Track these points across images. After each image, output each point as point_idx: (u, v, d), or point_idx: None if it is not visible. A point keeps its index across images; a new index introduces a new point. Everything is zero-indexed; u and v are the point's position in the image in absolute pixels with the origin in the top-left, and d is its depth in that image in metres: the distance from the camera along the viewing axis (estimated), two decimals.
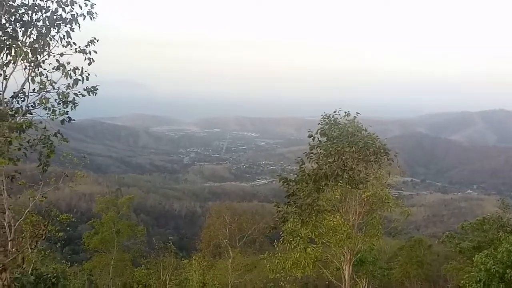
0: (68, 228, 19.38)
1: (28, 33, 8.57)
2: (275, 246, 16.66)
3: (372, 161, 15.91)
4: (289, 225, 15.58)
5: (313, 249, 15.44)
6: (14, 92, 8.73)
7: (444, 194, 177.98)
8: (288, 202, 16.06)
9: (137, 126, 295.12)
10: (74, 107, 9.23)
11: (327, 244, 16.27)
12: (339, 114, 16.57)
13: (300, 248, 15.05)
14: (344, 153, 15.32)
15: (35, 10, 8.45)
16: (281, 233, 16.39)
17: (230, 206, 41.92)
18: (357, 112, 16.75)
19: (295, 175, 16.23)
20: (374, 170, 16.32)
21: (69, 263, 29.10)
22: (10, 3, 8.14)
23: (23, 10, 8.42)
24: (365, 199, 16.03)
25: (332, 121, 16.31)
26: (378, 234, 17.38)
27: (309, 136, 16.33)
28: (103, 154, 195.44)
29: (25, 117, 8.77)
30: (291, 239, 15.42)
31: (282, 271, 15.79)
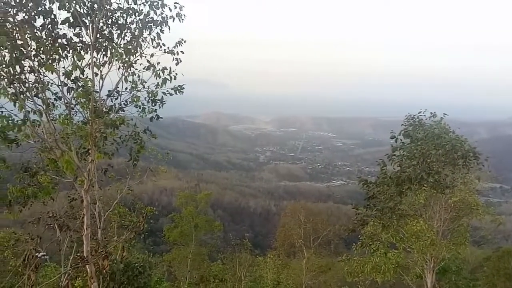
0: (151, 221, 20.33)
1: (123, 35, 9.09)
2: (354, 249, 16.29)
3: (460, 165, 15.02)
4: (368, 228, 15.17)
5: (394, 254, 14.89)
6: (109, 91, 9.31)
7: None
8: (367, 205, 15.64)
9: (216, 124, 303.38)
10: (162, 105, 9.68)
11: (409, 250, 15.61)
12: (424, 115, 15.85)
13: (380, 253, 14.59)
14: (430, 156, 14.61)
15: (130, 13, 8.93)
16: (359, 236, 16.00)
17: (305, 206, 41.59)
18: (444, 113, 15.89)
19: (376, 177, 15.75)
20: (462, 174, 15.39)
21: (151, 254, 30.46)
22: (108, 7, 8.67)
23: (118, 14, 8.93)
24: (452, 205, 15.19)
25: (416, 122, 15.63)
26: (465, 242, 16.37)
27: (392, 137, 15.79)
28: (184, 150, 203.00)
29: (118, 114, 9.32)
30: (370, 243, 15.00)
31: (360, 275, 15.40)
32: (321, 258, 32.80)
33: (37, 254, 8.29)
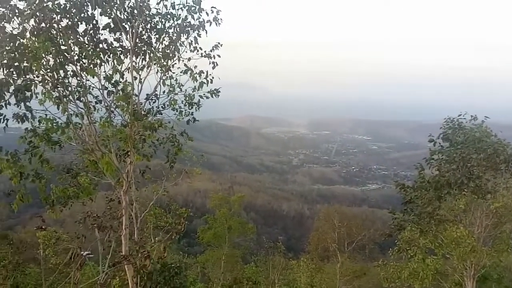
0: (186, 222, 20.56)
1: (161, 40, 9.29)
2: (390, 254, 15.97)
3: (502, 169, 14.53)
4: (406, 233, 14.83)
5: (432, 261, 14.50)
6: (147, 94, 9.52)
7: None
8: (405, 210, 15.32)
9: (249, 127, 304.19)
10: (198, 108, 9.81)
11: (448, 256, 15.18)
12: (464, 118, 15.41)
13: (418, 258, 14.24)
14: (470, 160, 14.19)
15: (168, 18, 9.13)
16: (396, 241, 15.67)
17: (339, 210, 41.14)
18: (485, 116, 15.39)
19: (413, 182, 15.41)
20: (504, 179, 14.86)
21: (186, 255, 30.82)
22: (147, 12, 8.88)
23: (157, 19, 9.15)
24: (493, 211, 14.67)
25: (456, 125, 15.20)
26: (507, 250, 15.76)
27: (430, 141, 15.41)
28: (217, 153, 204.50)
29: (156, 117, 9.52)
30: (407, 248, 14.67)
31: (397, 281, 15.07)
32: (355, 262, 32.38)
33: (82, 252, 8.55)
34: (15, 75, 7.74)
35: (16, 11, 7.79)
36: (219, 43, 9.40)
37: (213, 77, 9.36)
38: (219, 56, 9.49)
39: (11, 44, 7.73)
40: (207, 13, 9.17)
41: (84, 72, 8.63)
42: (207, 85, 9.38)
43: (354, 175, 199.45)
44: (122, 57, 8.97)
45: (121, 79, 8.89)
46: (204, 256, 33.57)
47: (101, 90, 8.89)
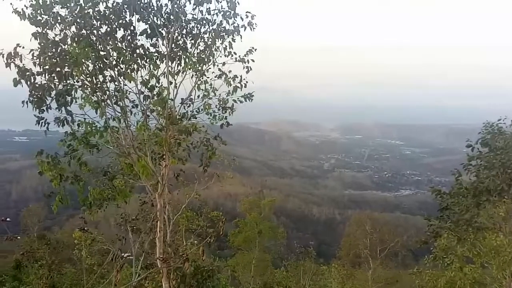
0: (217, 225, 20.63)
1: (196, 45, 9.41)
2: (425, 261, 15.57)
3: None
4: (442, 241, 14.42)
5: (470, 269, 14.04)
6: (182, 99, 9.64)
7: None
8: (441, 216, 14.96)
9: (280, 131, 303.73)
10: (232, 113, 9.85)
11: (487, 265, 14.67)
12: (504, 123, 14.94)
13: (455, 267, 13.82)
14: (511, 166, 13.70)
15: (203, 23, 9.25)
16: (431, 248, 15.28)
17: (371, 216, 40.67)
18: None
19: (450, 188, 15.02)
20: None
21: (217, 258, 30.95)
22: (183, 18, 9.02)
23: (192, 24, 9.28)
24: None
25: (495, 130, 14.74)
26: None
27: (468, 146, 15.01)
28: (248, 157, 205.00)
29: (190, 121, 9.62)
30: (444, 256, 14.25)
31: None
32: (388, 269, 31.88)
33: (122, 254, 8.72)
34: (57, 80, 8.00)
35: (59, 18, 8.06)
36: (253, 47, 9.43)
37: (247, 82, 9.40)
38: (253, 60, 9.52)
39: (53, 50, 8.00)
40: (241, 18, 9.24)
41: (122, 77, 8.83)
42: (241, 90, 9.42)
43: (386, 181, 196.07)
44: (158, 62, 9.12)
45: (157, 84, 9.03)
46: (234, 259, 33.63)
47: (137, 95, 9.06)
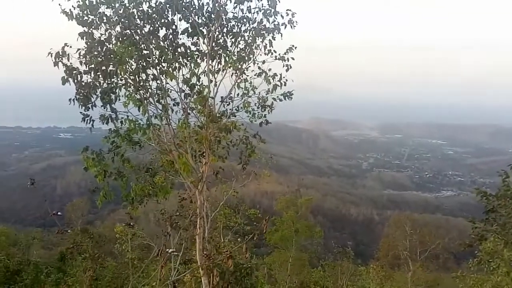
0: (254, 223, 20.72)
1: (237, 43, 9.45)
2: (469, 265, 15.04)
3: None
4: (488, 244, 13.87)
5: None
6: (222, 97, 9.70)
7: None
8: (486, 219, 14.39)
9: (317, 129, 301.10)
10: (271, 111, 9.83)
11: None
12: None
13: (502, 272, 13.27)
14: None
15: (244, 22, 9.27)
16: (476, 252, 14.75)
17: (411, 217, 39.78)
18: None
19: (497, 189, 14.43)
20: None
21: (254, 256, 31.00)
22: (224, 16, 9.08)
23: (233, 23, 9.32)
24: None
25: None
26: None
27: None
28: (285, 155, 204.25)
29: (230, 119, 9.67)
30: (490, 260, 13.70)
31: None
32: (428, 272, 31.10)
33: (167, 250, 8.90)
34: (102, 79, 8.23)
35: (104, 18, 8.29)
36: (293, 45, 9.37)
37: (286, 80, 9.35)
38: (293, 58, 9.46)
39: (99, 49, 8.24)
40: (282, 16, 9.20)
41: (164, 75, 8.98)
42: (281, 88, 9.38)
43: (427, 181, 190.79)
44: (199, 60, 9.22)
45: (197, 82, 9.14)
46: (271, 257, 33.61)
47: (178, 93, 9.20)
